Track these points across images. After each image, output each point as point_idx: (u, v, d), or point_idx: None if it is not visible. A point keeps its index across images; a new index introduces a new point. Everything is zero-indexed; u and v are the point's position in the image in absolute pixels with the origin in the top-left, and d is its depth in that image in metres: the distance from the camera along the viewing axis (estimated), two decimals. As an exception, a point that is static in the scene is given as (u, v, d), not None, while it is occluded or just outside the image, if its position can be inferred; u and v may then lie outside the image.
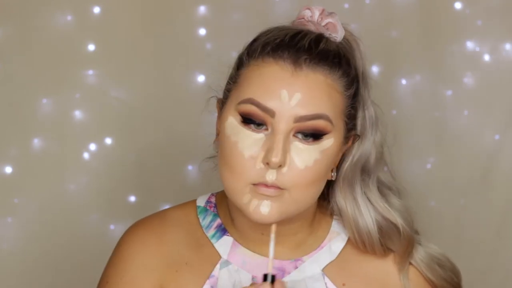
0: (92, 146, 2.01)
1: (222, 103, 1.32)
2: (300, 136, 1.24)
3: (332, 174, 1.31)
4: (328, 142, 1.25)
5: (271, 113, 1.23)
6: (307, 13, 1.32)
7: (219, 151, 1.30)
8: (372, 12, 2.03)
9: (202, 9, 2.02)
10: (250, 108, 1.24)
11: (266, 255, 1.31)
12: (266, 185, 1.23)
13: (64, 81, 1.99)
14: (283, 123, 1.22)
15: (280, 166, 1.23)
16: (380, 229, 1.35)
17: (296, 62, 1.24)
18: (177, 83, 2.01)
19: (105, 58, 2.00)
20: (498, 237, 2.05)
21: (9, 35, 1.97)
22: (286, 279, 1.32)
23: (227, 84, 1.32)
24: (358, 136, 1.33)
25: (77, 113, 2.00)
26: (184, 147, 2.01)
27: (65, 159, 2.00)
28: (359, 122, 1.33)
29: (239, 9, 2.01)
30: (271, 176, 1.23)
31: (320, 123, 1.24)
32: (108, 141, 2.02)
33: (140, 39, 2.00)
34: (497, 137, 2.05)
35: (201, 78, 2.00)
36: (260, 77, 1.25)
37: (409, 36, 2.04)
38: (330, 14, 1.32)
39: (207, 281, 1.32)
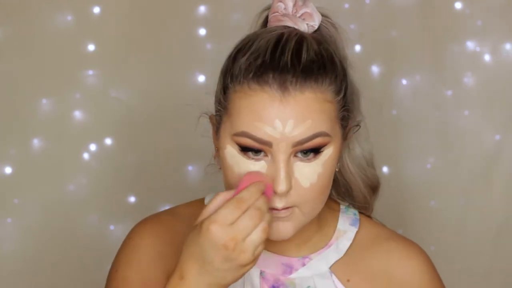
0: (92, 146, 2.01)
1: (216, 120, 1.30)
2: (300, 155, 1.23)
3: (338, 164, 1.31)
4: (328, 152, 1.25)
5: (268, 144, 1.22)
6: (281, 6, 1.30)
7: (223, 173, 1.29)
8: (372, 12, 2.03)
9: (202, 9, 2.02)
10: (246, 141, 1.22)
11: (272, 250, 1.33)
12: (277, 209, 1.23)
13: (64, 81, 1.99)
14: (281, 151, 1.22)
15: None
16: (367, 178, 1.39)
17: (282, 85, 1.21)
18: (177, 83, 2.01)
19: (105, 58, 2.00)
20: (498, 237, 2.05)
21: (9, 35, 1.97)
22: (294, 275, 1.33)
23: (216, 104, 1.30)
24: (359, 126, 1.33)
25: (77, 113, 2.00)
26: (184, 147, 2.01)
27: (65, 159, 2.00)
28: (355, 108, 1.33)
29: (239, 9, 2.01)
30: (281, 203, 1.23)
31: (318, 141, 1.23)
32: (108, 141, 2.02)
33: (140, 39, 2.00)
34: (497, 137, 2.05)
35: (201, 78, 2.00)
36: (249, 107, 1.22)
37: (409, 36, 2.04)
38: (304, 3, 1.29)
39: None
